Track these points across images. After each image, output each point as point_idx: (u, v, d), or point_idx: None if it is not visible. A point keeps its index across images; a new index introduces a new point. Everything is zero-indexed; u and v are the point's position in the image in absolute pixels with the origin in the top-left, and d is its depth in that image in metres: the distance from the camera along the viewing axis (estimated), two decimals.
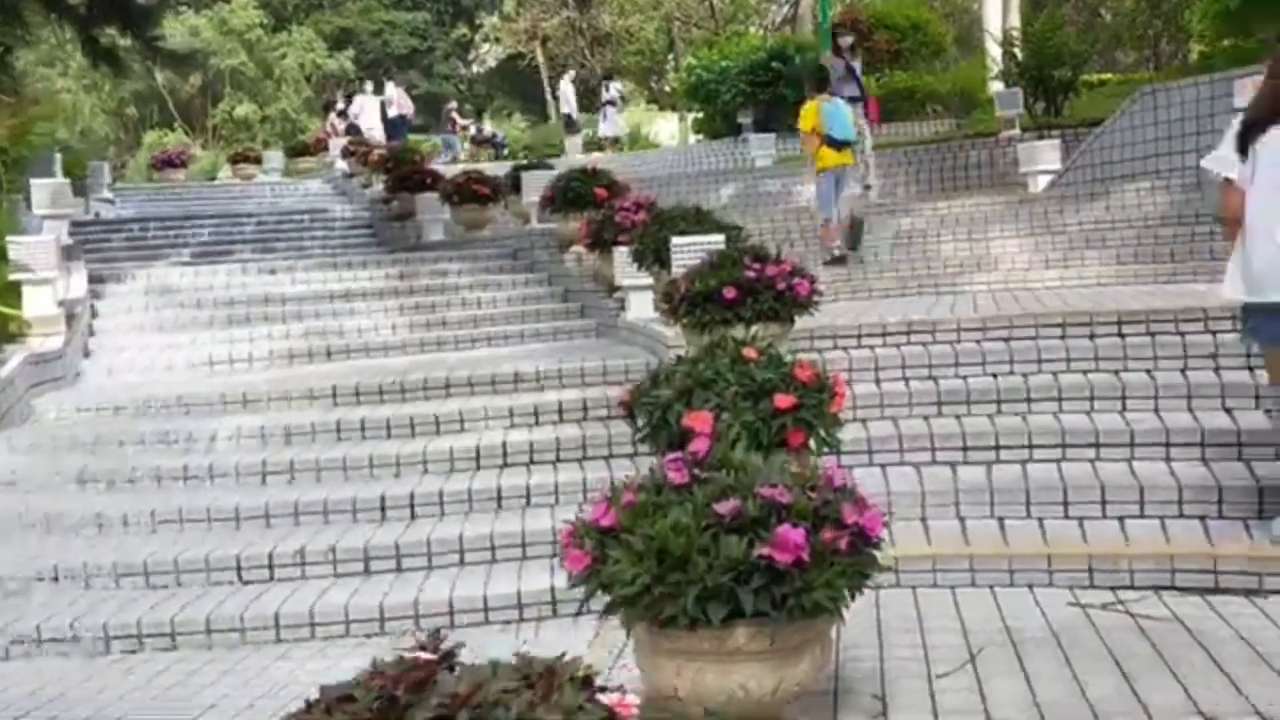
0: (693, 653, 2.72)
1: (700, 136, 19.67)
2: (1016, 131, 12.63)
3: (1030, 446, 4.86)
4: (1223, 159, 4.19)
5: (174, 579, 4.82)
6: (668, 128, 29.05)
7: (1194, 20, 15.81)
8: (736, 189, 13.97)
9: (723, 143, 17.68)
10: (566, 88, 24.16)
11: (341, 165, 19.02)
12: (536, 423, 6.08)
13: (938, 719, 3.05)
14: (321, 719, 1.68)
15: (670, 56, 37.58)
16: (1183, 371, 5.24)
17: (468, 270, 10.19)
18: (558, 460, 5.67)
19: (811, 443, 4.04)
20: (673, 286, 5.50)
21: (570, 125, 23.68)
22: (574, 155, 21.62)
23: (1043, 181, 10.78)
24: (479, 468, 5.62)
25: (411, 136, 25.87)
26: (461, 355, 8.11)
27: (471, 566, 4.82)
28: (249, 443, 6.03)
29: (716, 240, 6.42)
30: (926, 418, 5.26)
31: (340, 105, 23.29)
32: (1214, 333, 5.41)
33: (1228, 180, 4.15)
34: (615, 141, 22.84)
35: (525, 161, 13.17)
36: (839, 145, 9.46)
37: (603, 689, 1.75)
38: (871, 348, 6.04)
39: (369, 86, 23.98)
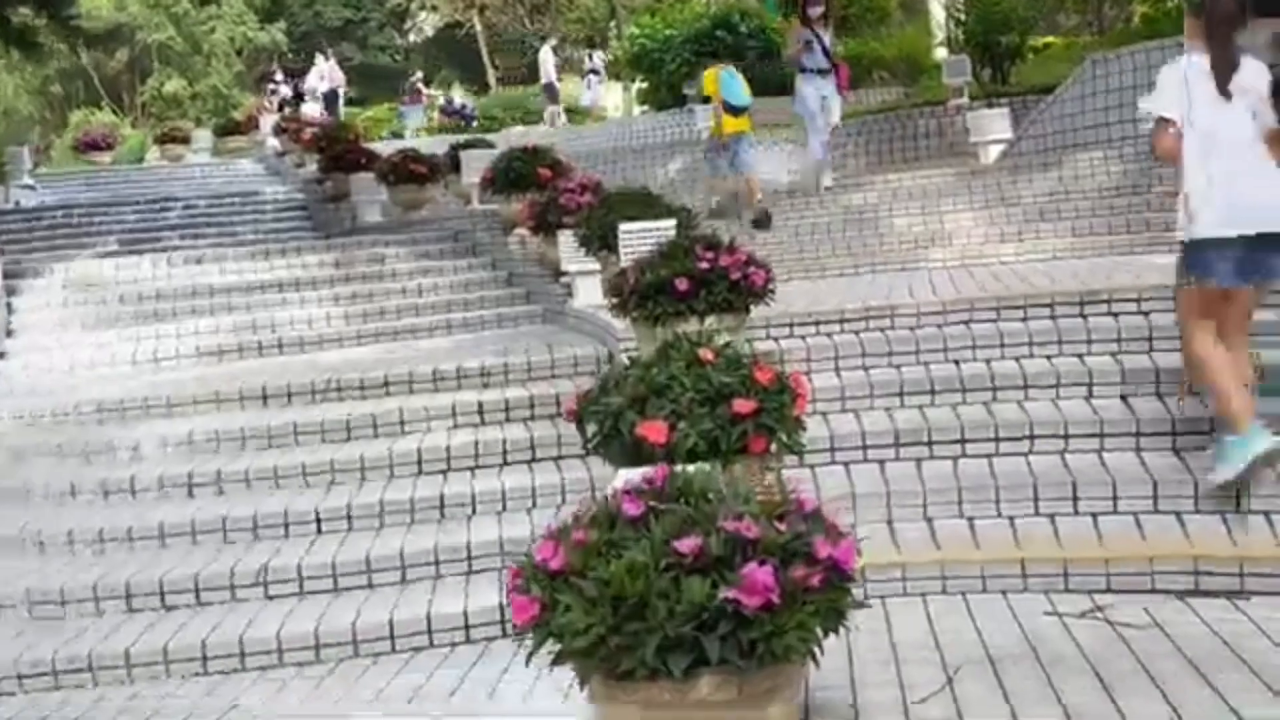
0: (653, 704, 2.47)
1: (645, 107, 19.30)
2: (965, 100, 12.46)
3: (997, 439, 4.66)
4: (1157, 99, 4.23)
5: (93, 606, 4.48)
6: (611, 99, 28.57)
7: None
8: (684, 162, 13.68)
9: (668, 114, 17.31)
10: (547, 55, 23.57)
11: (273, 144, 18.42)
12: (482, 422, 5.77)
13: None
14: None
15: (612, 24, 37.03)
16: (1149, 354, 5.07)
17: (406, 255, 9.81)
18: (504, 463, 5.39)
19: (773, 447, 3.80)
20: (621, 279, 5.21)
21: (551, 93, 23.13)
22: (556, 124, 21.16)
23: (994, 152, 10.62)
24: (421, 472, 5.33)
25: (352, 110, 25.22)
26: (401, 347, 7.76)
27: (414, 584, 4.54)
28: (175, 451, 5.67)
29: (667, 226, 6.14)
30: (889, 410, 5.05)
31: (279, 76, 22.59)
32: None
33: (1163, 120, 4.17)
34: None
35: (478, 137, 12.73)
36: (736, 111, 10.18)
37: None
38: (829, 335, 5.80)
39: (329, 52, 23.30)
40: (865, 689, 3.22)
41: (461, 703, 3.70)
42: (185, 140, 20.81)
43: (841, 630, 2.58)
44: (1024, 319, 5.54)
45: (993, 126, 10.72)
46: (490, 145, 11.00)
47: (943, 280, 7.36)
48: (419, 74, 28.60)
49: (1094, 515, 4.18)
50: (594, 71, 23.13)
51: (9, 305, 8.45)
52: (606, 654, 2.38)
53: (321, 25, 42.85)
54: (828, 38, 10.41)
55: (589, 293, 7.43)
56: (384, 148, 14.81)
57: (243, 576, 4.50)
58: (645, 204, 6.96)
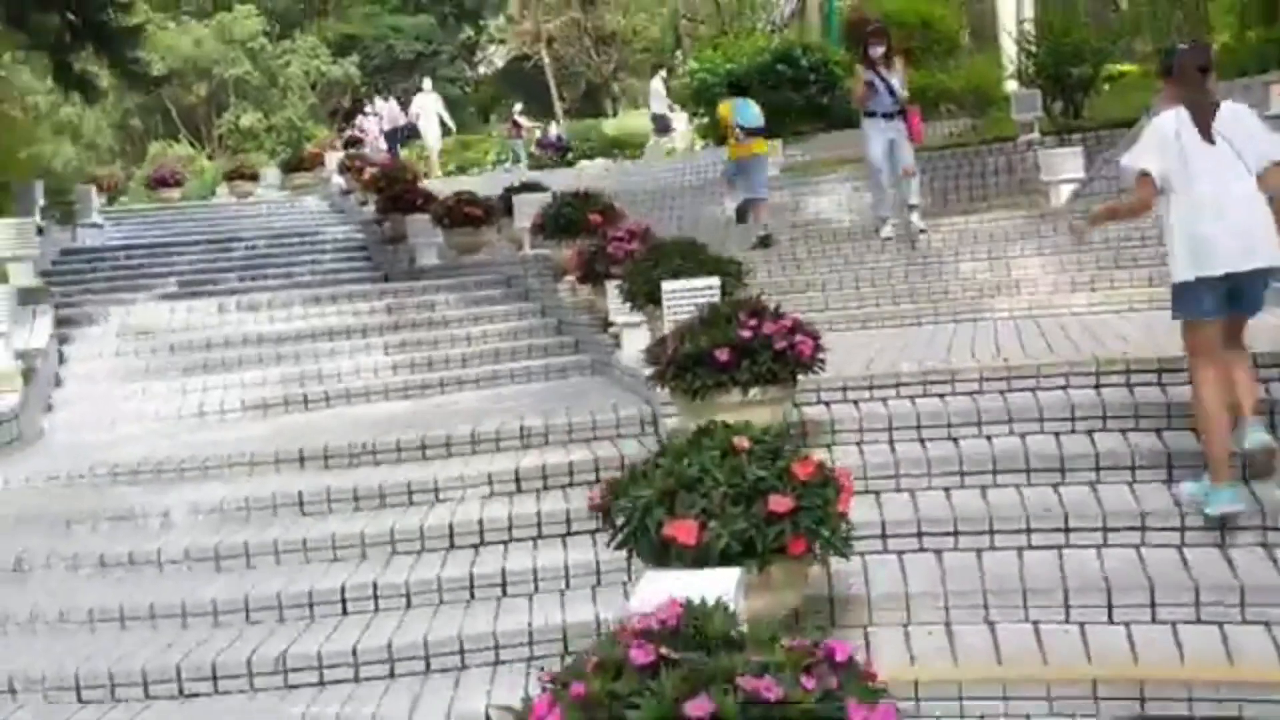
0: None
1: (706, 142, 19.08)
2: (1036, 135, 12.02)
3: (1066, 529, 4.30)
4: (1140, 155, 4.50)
5: (108, 693, 4.32)
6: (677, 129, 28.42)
7: (1216, 11, 15.18)
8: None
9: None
10: (658, 85, 23.46)
11: (338, 181, 18.55)
12: (518, 490, 5.54)
13: None
14: None
15: (678, 54, 36.97)
16: None
17: (457, 301, 9.68)
18: (539, 537, 5.14)
19: (816, 546, 3.51)
20: (659, 347, 4.96)
21: (662, 125, 23.03)
22: (657, 156, 21.08)
23: (1065, 191, 10.19)
24: (452, 546, 5.10)
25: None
26: (446, 401, 7.58)
27: (438, 675, 4.30)
28: (205, 520, 5.52)
29: (711, 286, 5.87)
30: (947, 490, 4.71)
31: (369, 108, 22.58)
32: (1266, 381, 4.84)
33: (1144, 174, 4.44)
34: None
35: (532, 180, 12.63)
36: (750, 131, 10.92)
37: None
38: (884, 400, 5.50)
39: (427, 83, 23.37)
40: None
41: None
42: (254, 177, 21.08)
43: None
44: (1096, 386, 5.19)
45: (1064, 165, 10.29)
46: (543, 189, 10.83)
47: (1008, 334, 7.00)
48: (519, 106, 28.33)
49: (1173, 625, 3.80)
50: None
51: (60, 354, 8.46)
52: None
53: (394, 59, 43.50)
54: (895, 79, 9.66)
55: (636, 345, 7.17)
56: (441, 186, 14.79)
57: (261, 664, 4.31)
58: (691, 256, 6.71)
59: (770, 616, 3.46)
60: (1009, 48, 14.83)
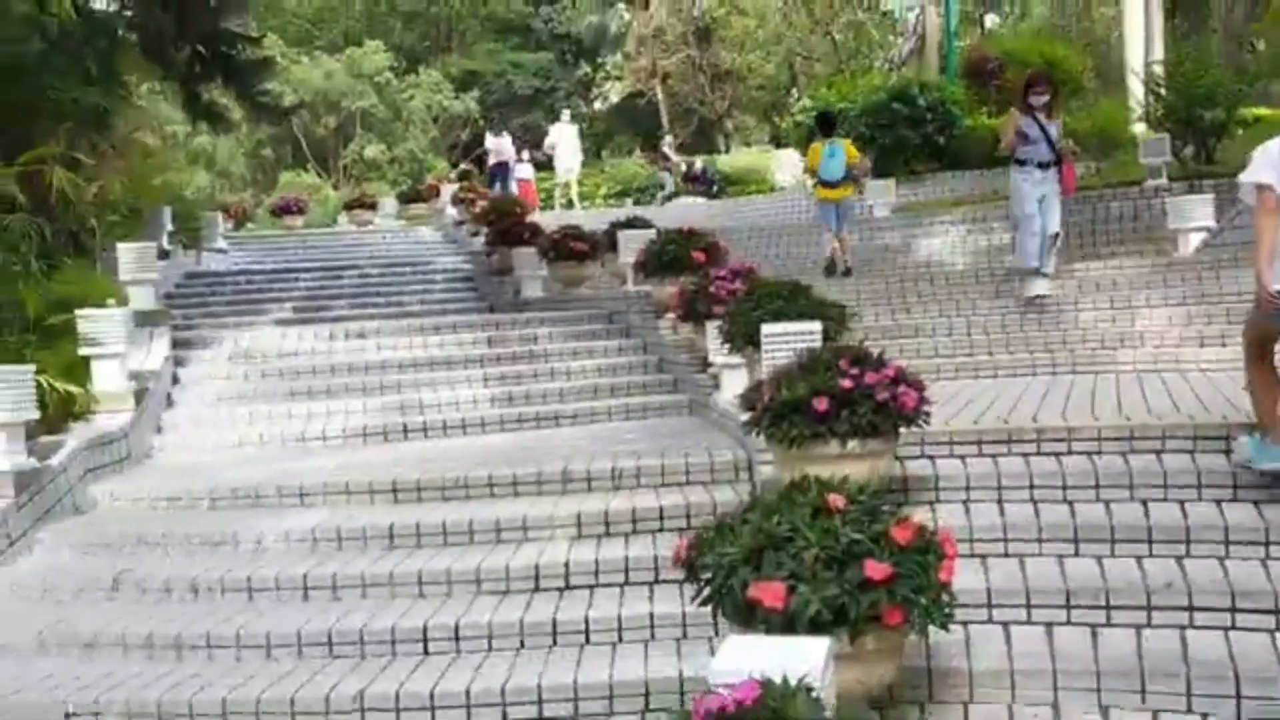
0: None
1: (811, 181, 18.82)
2: (1164, 181, 11.49)
3: (1190, 608, 3.96)
4: (1254, 171, 4.68)
5: None
6: (790, 167, 28.20)
7: None
8: (851, 241, 13.11)
9: None
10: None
11: (452, 213, 18.90)
12: (607, 533, 5.42)
13: None
14: None
15: (793, 92, 36.85)
16: None
17: (559, 335, 9.66)
18: (625, 583, 4.99)
19: (914, 617, 3.28)
20: (756, 393, 4.79)
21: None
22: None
23: (1194, 240, 9.68)
24: (537, 588, 5.00)
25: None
26: (543, 436, 7.53)
27: None
28: (296, 548, 5.54)
29: (812, 331, 5.68)
30: (1060, 558, 4.41)
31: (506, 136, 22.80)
32: None
33: (1261, 187, 4.57)
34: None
35: (636, 216, 12.62)
36: (828, 185, 11.41)
37: None
38: (994, 457, 5.22)
39: (565, 114, 23.71)
40: None
41: None
42: (372, 206, 21.62)
43: None
44: (1226, 451, 4.82)
45: (1194, 212, 9.79)
46: (648, 224, 10.78)
47: (1131, 389, 6.62)
48: (669, 138, 28.28)
49: None
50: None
51: (175, 375, 8.69)
52: None
53: (513, 94, 44.40)
54: (1054, 128, 8.95)
55: (734, 387, 7.02)
56: (547, 219, 14.87)
57: (339, 701, 4.24)
58: (794, 298, 6.53)
59: (863, 690, 3.25)
60: (1136, 89, 14.27)
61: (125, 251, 8.93)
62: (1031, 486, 4.86)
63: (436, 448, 7.37)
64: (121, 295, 9.00)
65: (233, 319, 11.90)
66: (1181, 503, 4.58)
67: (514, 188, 22.26)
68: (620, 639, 4.60)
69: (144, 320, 8.78)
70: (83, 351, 7.31)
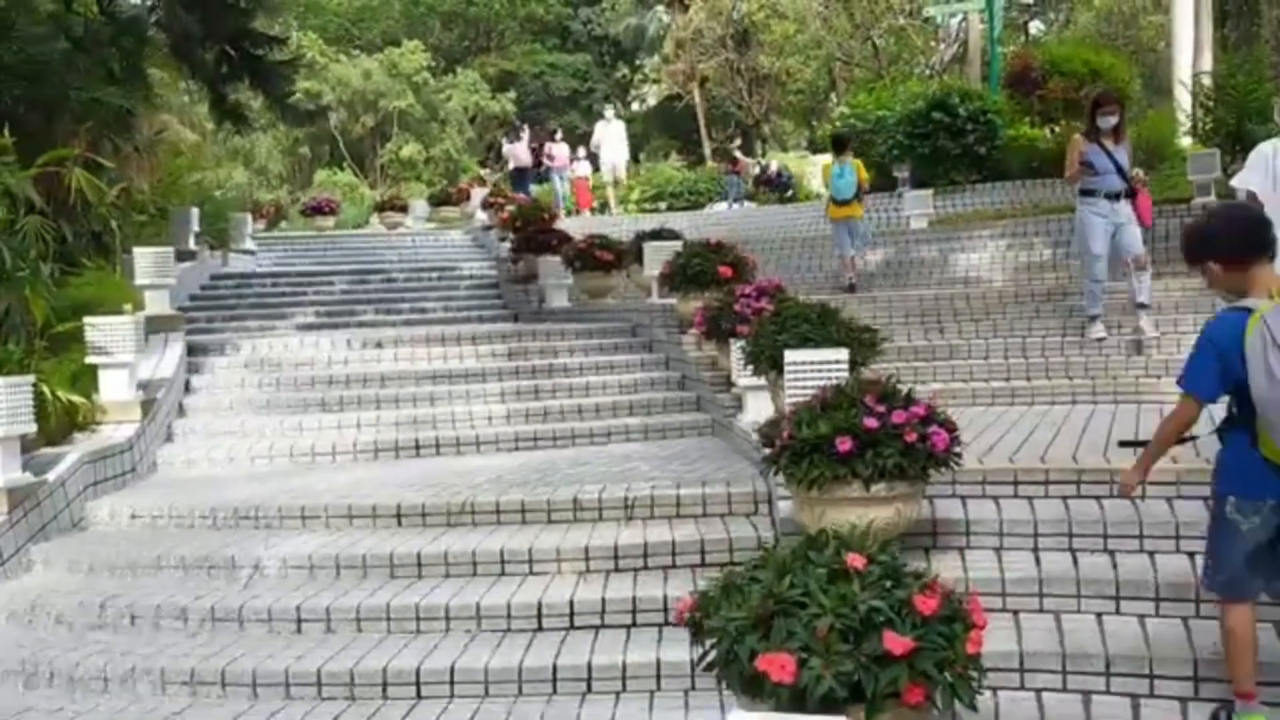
0: None
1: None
2: (1212, 199, 11.04)
3: None
4: (1246, 175, 5.03)
5: None
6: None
7: None
8: (886, 254, 12.77)
9: (875, 198, 16.41)
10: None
11: (481, 217, 18.75)
12: (616, 568, 5.15)
13: None
14: None
15: (832, 97, 36.41)
16: None
17: (580, 348, 9.41)
18: (632, 625, 4.72)
19: (936, 695, 2.98)
20: (774, 429, 4.50)
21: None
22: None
23: None
24: (540, 629, 4.74)
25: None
26: (557, 457, 7.26)
27: None
28: (294, 575, 5.32)
29: (839, 360, 5.37)
30: (1099, 615, 4.08)
31: (555, 139, 22.42)
32: None
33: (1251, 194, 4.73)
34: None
35: (664, 226, 12.32)
36: (840, 203, 11.48)
37: None
38: (1030, 499, 4.90)
39: (609, 111, 23.23)
40: None
41: None
42: (404, 209, 21.51)
43: None
44: None
45: None
46: (676, 235, 10.50)
47: None
48: (738, 140, 27.33)
49: None
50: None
51: (188, 383, 8.53)
52: None
53: (550, 95, 44.31)
54: (1123, 154, 8.19)
55: (758, 409, 6.75)
56: (628, 223, 14.62)
57: None
58: (822, 322, 6.22)
59: None
60: (1184, 101, 13.79)
61: (141, 255, 8.79)
62: (1070, 534, 4.53)
63: (448, 466, 7.13)
64: (138, 300, 8.89)
65: (256, 323, 11.78)
66: None
67: (564, 187, 22.00)
68: (624, 688, 4.33)
69: (159, 326, 8.65)
70: (90, 360, 7.14)
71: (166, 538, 5.89)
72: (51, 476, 5.98)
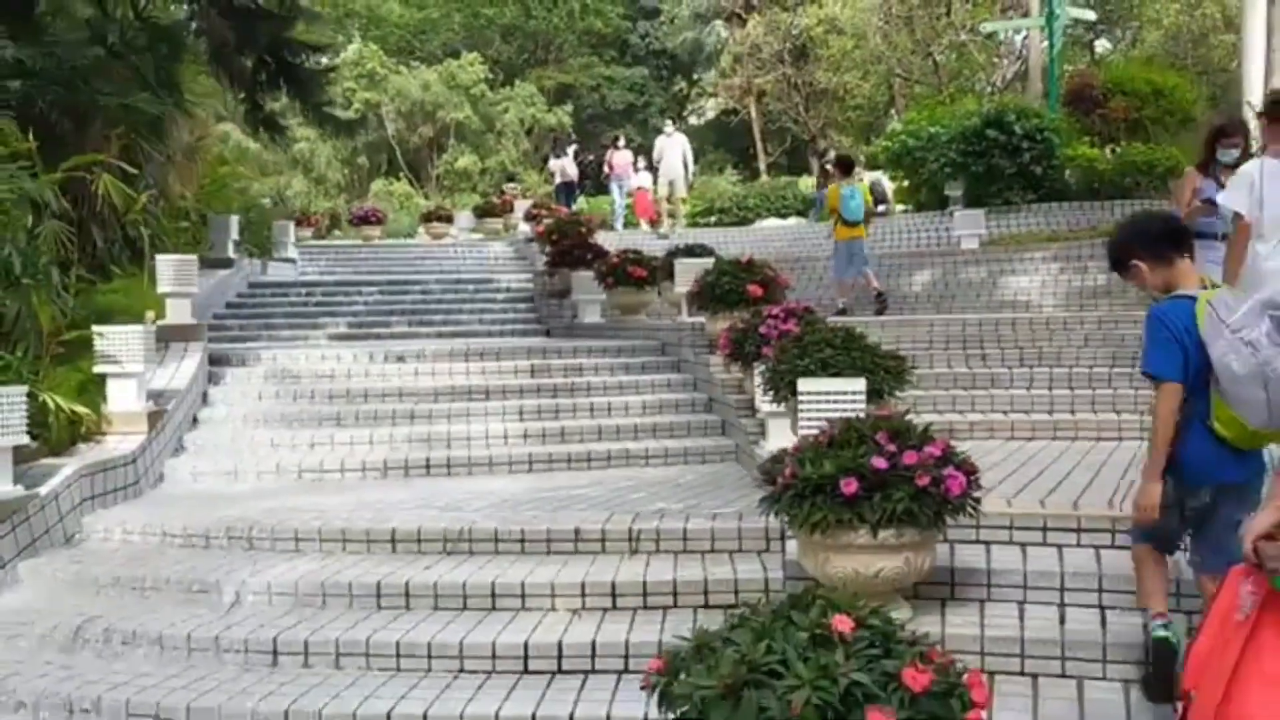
0: None
1: (903, 207, 18.02)
2: None
3: None
4: (1232, 195, 5.16)
5: None
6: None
7: None
8: (933, 274, 12.36)
9: (926, 217, 16.01)
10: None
11: (524, 229, 18.57)
12: (613, 606, 4.85)
13: None
14: None
15: (891, 113, 35.85)
16: None
17: (605, 367, 9.13)
18: (625, 670, 4.41)
19: None
20: (776, 465, 4.17)
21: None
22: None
23: None
24: (526, 671, 4.44)
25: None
26: (570, 482, 6.98)
27: None
28: (278, 602, 5.08)
29: (856, 391, 5.03)
30: (1126, 683, 3.69)
31: (618, 146, 21.76)
32: None
33: (1237, 214, 4.92)
34: None
35: (698, 244, 12.02)
36: (849, 224, 11.63)
37: None
38: (1059, 548, 4.51)
39: (668, 125, 22.48)
40: None
41: None
42: (449, 219, 21.46)
43: None
44: None
45: None
46: (709, 252, 10.19)
47: None
48: (831, 153, 26.02)
49: None
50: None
51: (205, 395, 8.39)
52: None
53: (606, 109, 44.28)
54: None
55: (780, 437, 6.40)
56: (631, 241, 14.36)
57: None
58: (846, 347, 5.87)
59: None
60: (1254, 123, 13.15)
61: (164, 263, 8.68)
62: (1100, 590, 4.14)
63: (456, 488, 6.88)
64: (160, 308, 8.78)
65: (288, 332, 11.72)
66: None
67: (622, 199, 21.58)
68: None
69: (179, 335, 8.53)
70: (98, 369, 7.01)
71: (156, 556, 5.70)
72: (44, 490, 5.82)
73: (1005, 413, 7.62)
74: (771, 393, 6.09)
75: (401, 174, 41.52)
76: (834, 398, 4.99)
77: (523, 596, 4.92)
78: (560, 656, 4.45)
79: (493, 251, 17.87)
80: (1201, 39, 30.37)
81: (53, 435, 6.44)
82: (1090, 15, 19.89)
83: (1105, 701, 3.63)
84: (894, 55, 33.38)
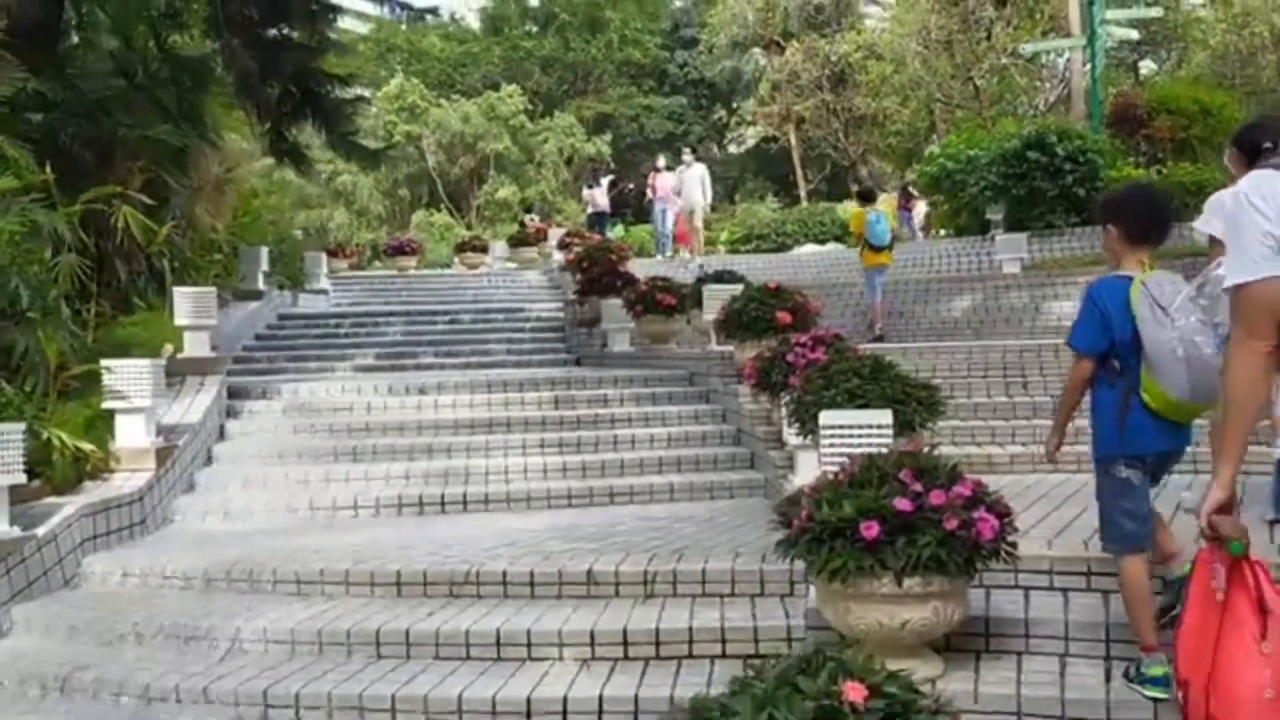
0: None
1: (943, 232, 17.61)
2: None
3: None
4: (1208, 221, 4.90)
5: None
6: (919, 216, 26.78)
7: None
8: (974, 300, 11.98)
9: (966, 241, 15.60)
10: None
11: (558, 257, 18.41)
12: (625, 656, 4.55)
13: None
14: None
15: (932, 139, 35.42)
16: None
17: (632, 397, 8.85)
18: None
19: None
20: (792, 506, 3.86)
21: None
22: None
23: None
24: None
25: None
26: (589, 519, 6.68)
27: None
28: (274, 650, 4.84)
29: (881, 424, 4.70)
30: None
31: (661, 164, 21.41)
32: None
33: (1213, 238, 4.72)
34: None
35: (727, 269, 11.72)
36: (876, 249, 11.72)
37: None
38: (1104, 594, 4.14)
39: (687, 154, 22.19)
40: None
41: None
42: (484, 249, 21.37)
43: None
44: None
45: None
46: (739, 279, 9.91)
47: None
48: (911, 176, 24.81)
49: None
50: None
51: (223, 429, 8.23)
52: None
53: (645, 138, 44.29)
54: None
55: (809, 471, 6.05)
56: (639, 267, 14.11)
57: None
58: (875, 377, 5.55)
59: None
60: None
61: (181, 296, 8.56)
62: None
63: (471, 526, 6.61)
64: (179, 341, 8.66)
65: (315, 364, 11.57)
66: None
67: (665, 227, 21.15)
68: None
69: (196, 368, 8.39)
70: (105, 405, 6.86)
71: (154, 600, 5.49)
72: (42, 530, 5.64)
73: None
74: (797, 425, 5.78)
75: (442, 205, 41.72)
76: (859, 431, 4.67)
77: (529, 645, 4.64)
78: (565, 712, 4.15)
79: (526, 281, 17.72)
80: (1250, 58, 29.68)
81: (57, 473, 6.27)
82: (1133, 34, 19.43)
83: None
84: (934, 80, 33.01)
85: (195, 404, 7.91)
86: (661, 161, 21.95)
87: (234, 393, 8.90)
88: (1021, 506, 5.48)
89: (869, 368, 5.64)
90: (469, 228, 37.89)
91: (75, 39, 11.06)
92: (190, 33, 12.05)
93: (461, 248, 21.86)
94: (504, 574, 5.23)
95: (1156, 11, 20.57)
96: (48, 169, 8.13)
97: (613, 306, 11.38)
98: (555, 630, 4.65)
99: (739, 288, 9.04)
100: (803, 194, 38.90)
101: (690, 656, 4.53)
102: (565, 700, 4.18)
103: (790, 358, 6.67)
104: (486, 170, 42.39)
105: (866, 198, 12.81)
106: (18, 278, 6.48)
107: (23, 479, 5.59)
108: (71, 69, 9.52)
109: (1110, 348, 3.69)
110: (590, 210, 21.73)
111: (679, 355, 10.08)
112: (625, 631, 4.60)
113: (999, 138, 15.95)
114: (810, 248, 21.35)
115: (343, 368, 11.57)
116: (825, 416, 4.82)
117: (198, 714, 4.43)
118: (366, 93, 44.90)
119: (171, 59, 10.03)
